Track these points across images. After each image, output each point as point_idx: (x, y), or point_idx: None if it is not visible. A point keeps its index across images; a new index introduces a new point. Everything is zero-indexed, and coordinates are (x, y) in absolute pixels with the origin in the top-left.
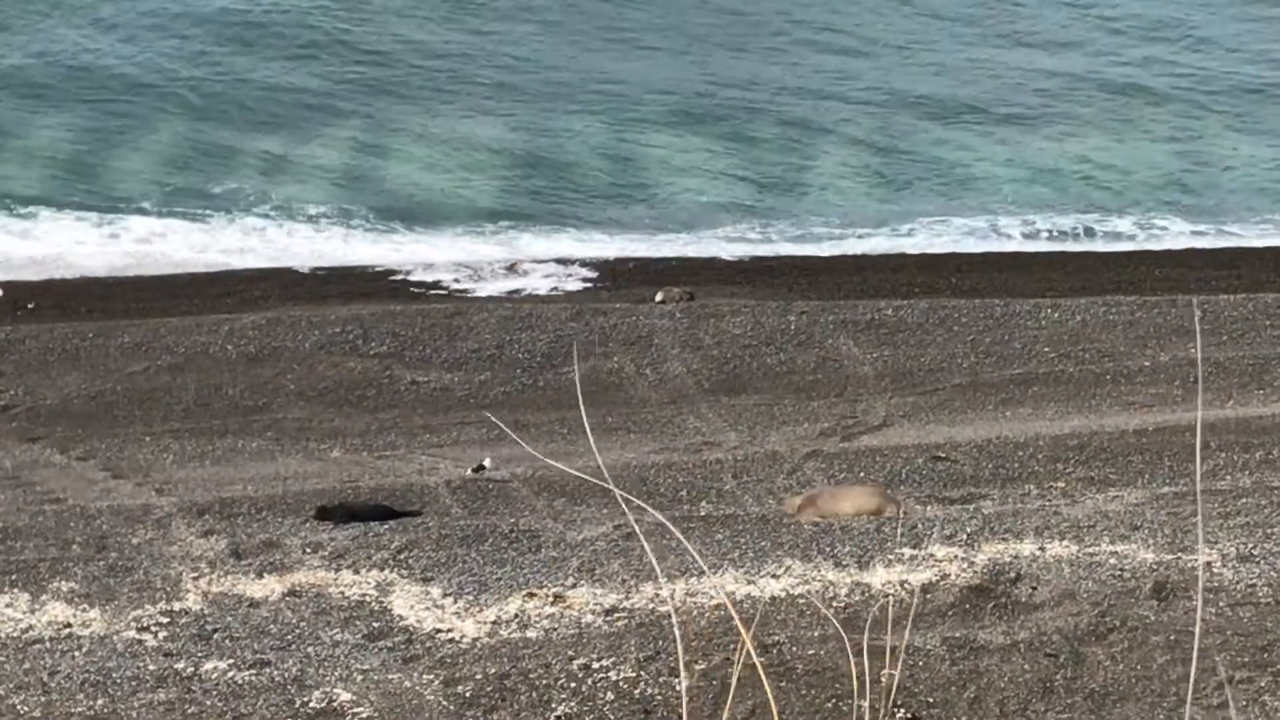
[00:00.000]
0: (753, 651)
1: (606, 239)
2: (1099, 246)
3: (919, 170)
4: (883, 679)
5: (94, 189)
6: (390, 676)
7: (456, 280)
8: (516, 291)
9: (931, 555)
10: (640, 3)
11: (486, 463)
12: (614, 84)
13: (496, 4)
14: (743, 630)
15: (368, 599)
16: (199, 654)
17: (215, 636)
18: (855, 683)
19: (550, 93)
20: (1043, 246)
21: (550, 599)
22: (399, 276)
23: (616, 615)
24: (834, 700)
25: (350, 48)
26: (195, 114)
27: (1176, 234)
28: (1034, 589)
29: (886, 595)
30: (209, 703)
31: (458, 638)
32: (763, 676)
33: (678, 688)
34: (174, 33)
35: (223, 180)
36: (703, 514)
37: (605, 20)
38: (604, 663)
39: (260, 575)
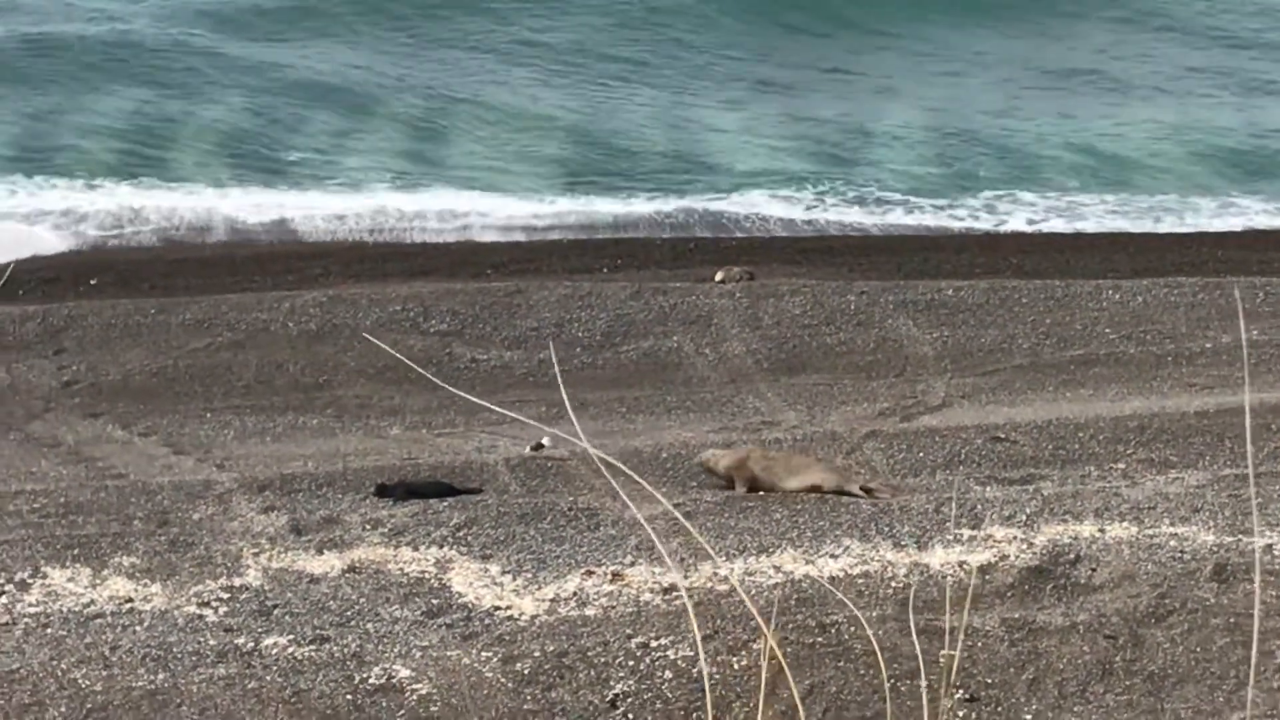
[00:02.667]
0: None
1: (665, 217)
2: (1161, 228)
3: (982, 150)
4: (941, 660)
5: (155, 161)
6: (449, 653)
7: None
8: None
9: (990, 536)
10: None
11: (546, 441)
12: (674, 59)
13: None
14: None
15: (427, 576)
16: (259, 629)
17: (275, 612)
18: (918, 662)
19: (610, 69)
20: (1105, 227)
21: (609, 577)
22: (460, 240)
23: (675, 594)
24: (892, 680)
25: (410, 19)
26: (257, 85)
27: (1240, 215)
28: (1093, 570)
29: (945, 576)
30: (269, 678)
31: (516, 615)
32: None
33: (735, 666)
34: (235, 4)
35: (286, 152)
36: (761, 493)
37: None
38: (662, 641)
39: (320, 551)
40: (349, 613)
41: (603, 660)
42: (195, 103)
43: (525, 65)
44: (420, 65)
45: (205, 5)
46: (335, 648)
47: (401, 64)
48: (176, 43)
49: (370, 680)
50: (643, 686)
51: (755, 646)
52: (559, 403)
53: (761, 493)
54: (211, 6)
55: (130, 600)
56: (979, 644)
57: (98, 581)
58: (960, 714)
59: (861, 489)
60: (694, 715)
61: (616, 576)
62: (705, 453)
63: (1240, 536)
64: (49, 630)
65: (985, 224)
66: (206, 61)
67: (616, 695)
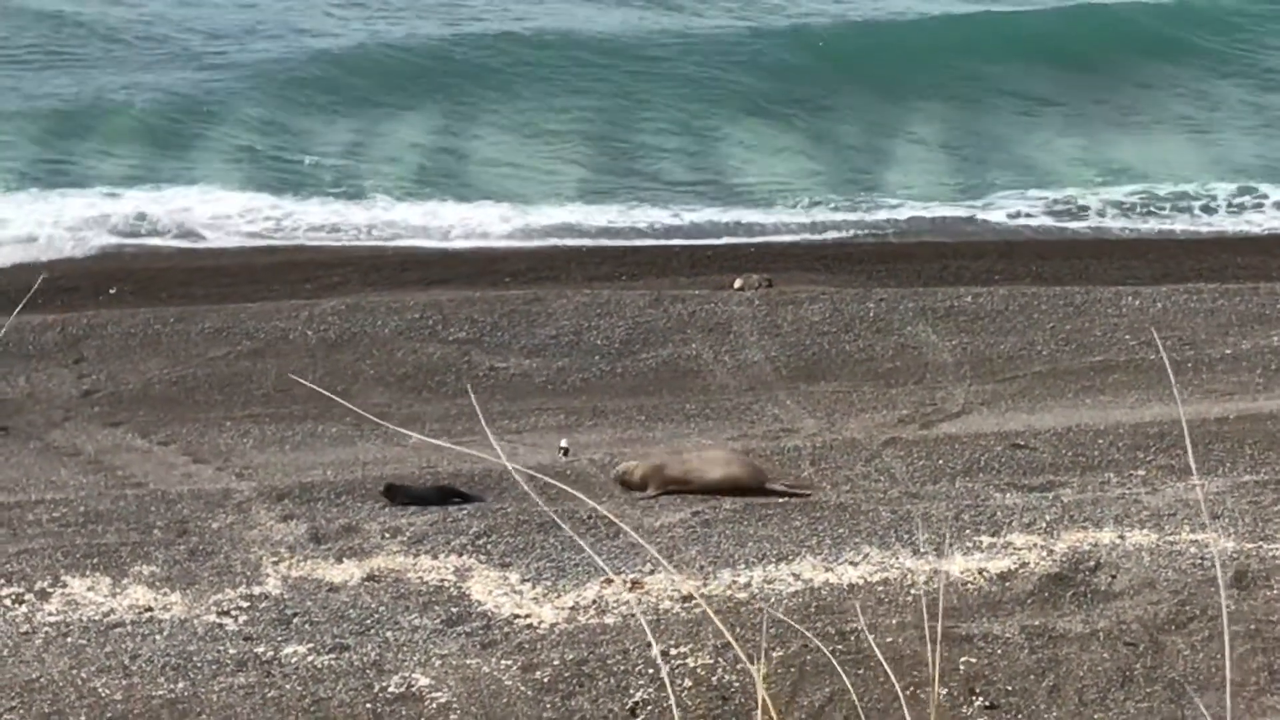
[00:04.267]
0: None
1: (684, 225)
2: (1179, 233)
3: (997, 156)
4: (961, 667)
5: (174, 170)
6: (469, 662)
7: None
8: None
9: (1010, 543)
10: None
11: (564, 443)
12: (691, 69)
13: None
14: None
15: (446, 584)
16: (279, 638)
17: (295, 621)
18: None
19: (628, 78)
20: (1123, 233)
21: (628, 585)
22: (479, 248)
23: (694, 602)
24: (911, 688)
25: (430, 32)
26: (274, 94)
27: (1258, 213)
28: (1113, 577)
29: (965, 583)
30: (288, 686)
31: (536, 623)
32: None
33: (755, 675)
34: (254, 12)
35: (304, 161)
36: (780, 500)
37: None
38: (682, 649)
39: (339, 560)
40: (368, 621)
41: (622, 668)
42: (213, 112)
43: (544, 80)
44: (439, 75)
45: (220, 13)
46: (355, 656)
47: (420, 73)
48: (194, 54)
49: (390, 689)
50: (662, 695)
51: (775, 654)
52: (578, 410)
53: (675, 491)
54: (227, 15)
55: (150, 609)
56: (999, 651)
57: (117, 590)
58: None
59: (783, 486)
60: None
61: (636, 584)
62: (620, 466)
63: (1260, 543)
64: (69, 639)
65: (1004, 231)
66: (224, 71)
67: (636, 703)
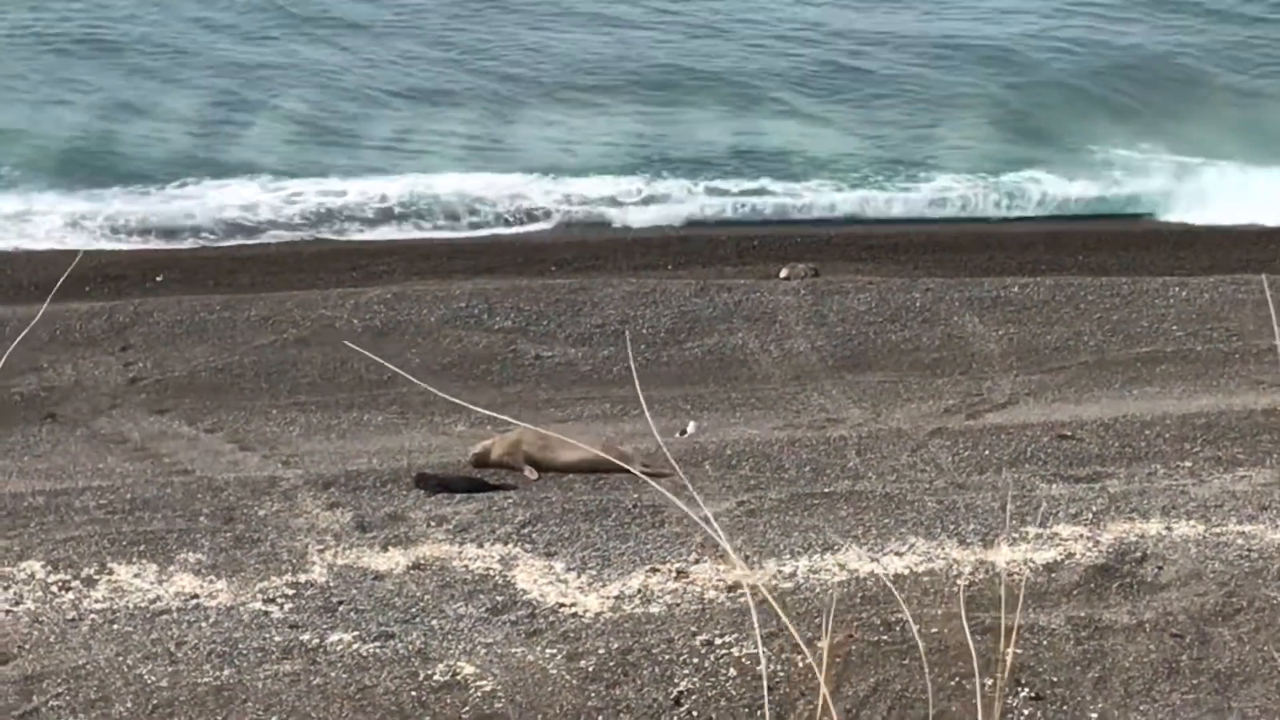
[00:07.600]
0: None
1: (730, 213)
2: (1227, 224)
3: (1046, 145)
4: (1006, 658)
5: (219, 158)
6: (514, 650)
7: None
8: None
9: (1057, 534)
10: None
11: (691, 427)
12: (738, 53)
13: None
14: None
15: (491, 573)
16: (324, 626)
17: (340, 609)
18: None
19: (674, 68)
20: (1168, 223)
21: (673, 574)
22: (525, 236)
23: (739, 591)
24: (957, 679)
25: (477, 24)
26: (319, 81)
27: None
28: (1160, 569)
29: (1011, 574)
30: (334, 674)
31: (581, 612)
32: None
33: (800, 664)
34: (299, 6)
35: (350, 148)
36: (826, 490)
37: None
38: (727, 639)
39: (385, 548)
40: (413, 609)
41: (667, 657)
42: (257, 98)
43: (587, 71)
44: (485, 55)
45: (265, 9)
46: (400, 644)
47: (466, 56)
48: (238, 40)
49: (435, 677)
50: (707, 684)
51: (820, 645)
52: (624, 400)
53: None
54: (272, 11)
55: (196, 596)
56: (1045, 642)
57: (164, 577)
58: (1026, 712)
59: (643, 468)
60: (757, 713)
61: (681, 574)
62: (476, 446)
63: None
64: (115, 626)
65: (1049, 221)
66: (268, 58)
67: (680, 692)
